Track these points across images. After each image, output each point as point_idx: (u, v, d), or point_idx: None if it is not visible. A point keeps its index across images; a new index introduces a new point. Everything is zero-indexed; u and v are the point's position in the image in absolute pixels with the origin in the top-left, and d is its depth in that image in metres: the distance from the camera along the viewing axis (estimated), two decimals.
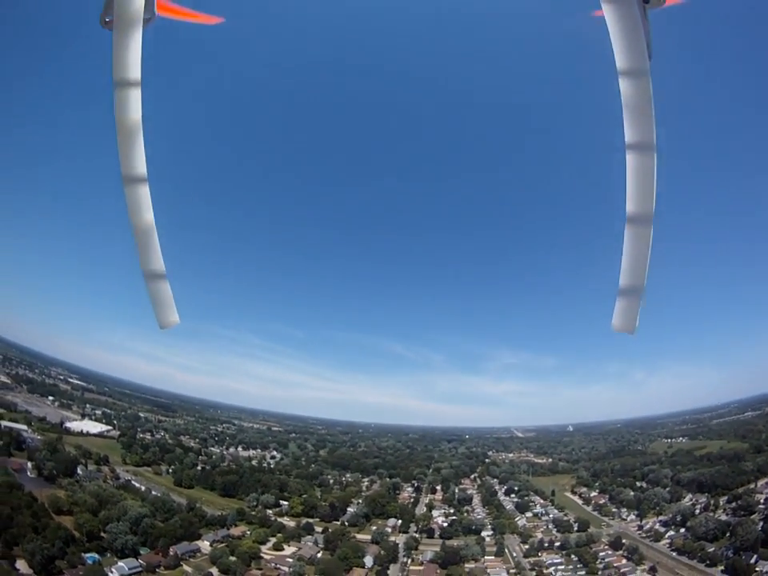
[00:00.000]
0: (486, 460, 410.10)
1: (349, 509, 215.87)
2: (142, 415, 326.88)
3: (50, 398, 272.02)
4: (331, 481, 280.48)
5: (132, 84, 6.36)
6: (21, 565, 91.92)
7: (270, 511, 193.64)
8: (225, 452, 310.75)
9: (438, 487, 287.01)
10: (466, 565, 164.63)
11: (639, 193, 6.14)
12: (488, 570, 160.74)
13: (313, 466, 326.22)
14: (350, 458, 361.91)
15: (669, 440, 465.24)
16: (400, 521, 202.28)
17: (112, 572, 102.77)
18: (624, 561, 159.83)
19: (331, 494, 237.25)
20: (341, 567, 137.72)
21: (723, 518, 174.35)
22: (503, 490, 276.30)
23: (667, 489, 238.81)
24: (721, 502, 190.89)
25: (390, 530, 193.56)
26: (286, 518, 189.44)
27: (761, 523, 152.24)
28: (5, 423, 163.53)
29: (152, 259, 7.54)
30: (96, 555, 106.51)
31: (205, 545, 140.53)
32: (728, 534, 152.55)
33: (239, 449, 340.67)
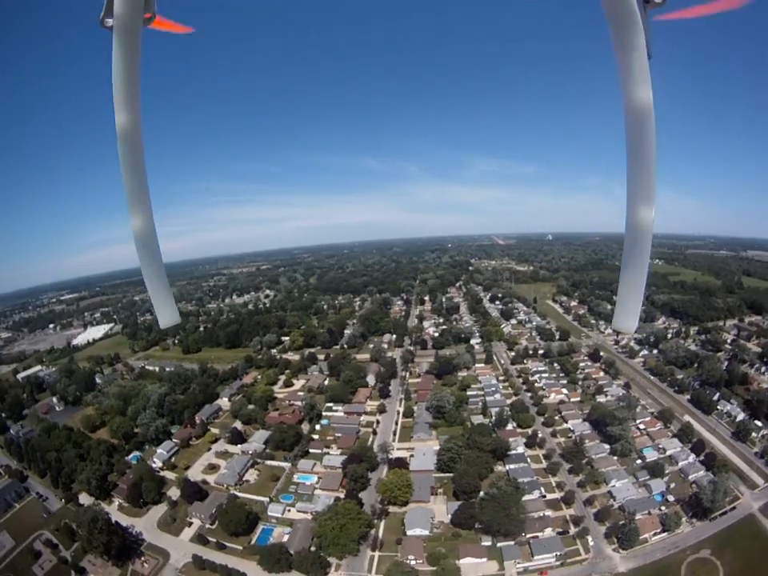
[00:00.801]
0: (470, 268, 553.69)
1: (346, 331, 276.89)
2: (136, 299, 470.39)
3: (50, 325, 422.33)
4: (325, 306, 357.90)
5: (132, 84, 8.37)
6: (83, 498, 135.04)
7: (275, 350, 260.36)
8: (222, 305, 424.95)
9: (426, 298, 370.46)
10: (459, 373, 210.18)
11: (640, 192, 7.71)
12: (479, 378, 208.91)
13: (305, 295, 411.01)
14: (340, 281, 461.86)
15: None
16: (394, 335, 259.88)
17: (154, 461, 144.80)
18: (602, 373, 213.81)
19: (327, 320, 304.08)
20: (347, 390, 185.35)
21: (693, 347, 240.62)
22: (488, 297, 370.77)
23: (642, 308, 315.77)
24: (691, 332, 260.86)
25: (386, 345, 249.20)
26: (289, 353, 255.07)
27: (726, 363, 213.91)
28: (20, 375, 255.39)
29: (152, 259, 9.94)
30: (137, 453, 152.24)
31: (224, 402, 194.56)
32: (696, 365, 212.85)
33: (234, 297, 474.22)
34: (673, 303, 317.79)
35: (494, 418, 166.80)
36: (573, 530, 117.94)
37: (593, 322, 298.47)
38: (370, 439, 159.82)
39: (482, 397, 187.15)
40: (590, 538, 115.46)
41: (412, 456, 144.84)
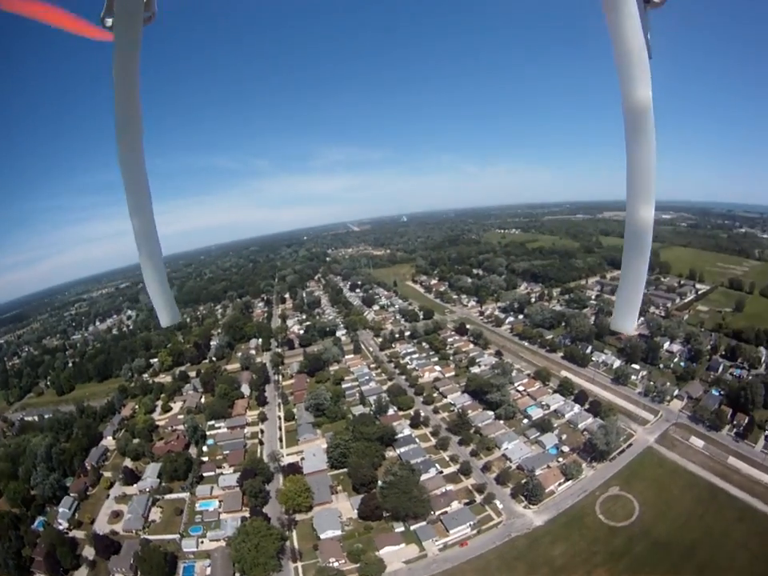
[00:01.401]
0: (327, 259, 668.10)
1: (212, 343, 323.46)
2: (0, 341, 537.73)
3: None
4: (188, 319, 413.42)
5: (132, 84, 9.64)
6: None
7: (146, 375, 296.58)
8: (86, 334, 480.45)
9: (287, 295, 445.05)
10: (330, 368, 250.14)
11: (640, 194, 8.91)
12: (351, 369, 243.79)
13: None
14: (199, 290, 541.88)
15: (502, 230, 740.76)
16: (260, 340, 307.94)
17: (60, 523, 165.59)
18: (471, 345, 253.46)
19: (192, 334, 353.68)
20: (224, 404, 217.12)
21: (558, 308, 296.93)
22: (348, 287, 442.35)
23: (503, 276, 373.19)
24: (554, 293, 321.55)
25: (254, 351, 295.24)
26: (161, 375, 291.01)
27: (592, 317, 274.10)
28: None
29: (152, 259, 11.47)
30: (41, 518, 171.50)
31: (109, 441, 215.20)
32: (563, 324, 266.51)
33: (97, 324, 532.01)
34: (533, 269, 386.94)
35: (373, 406, 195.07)
36: (478, 497, 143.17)
37: (455, 297, 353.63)
38: (258, 450, 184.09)
39: (358, 387, 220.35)
40: (497, 502, 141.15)
41: (303, 459, 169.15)
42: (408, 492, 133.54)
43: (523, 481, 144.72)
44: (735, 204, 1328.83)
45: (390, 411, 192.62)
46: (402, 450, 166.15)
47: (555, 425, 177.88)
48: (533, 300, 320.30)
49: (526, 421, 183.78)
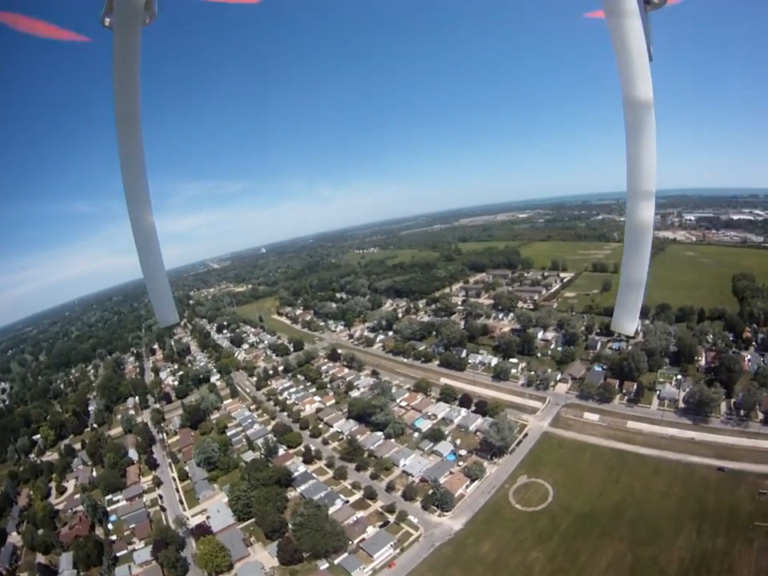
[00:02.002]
0: (191, 301, 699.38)
1: (90, 408, 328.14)
2: None
3: None
4: (61, 385, 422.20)
5: (132, 84, 11.13)
6: None
7: (32, 455, 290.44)
8: None
9: (156, 346, 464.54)
10: (212, 416, 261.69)
11: (640, 195, 10.74)
12: (232, 414, 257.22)
13: (40, 378, 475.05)
14: (68, 350, 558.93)
15: (361, 251, 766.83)
16: (137, 397, 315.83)
17: None
18: (346, 370, 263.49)
19: (68, 401, 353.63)
20: (116, 475, 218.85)
21: (426, 319, 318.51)
22: (214, 328, 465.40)
23: (367, 297, 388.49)
24: (421, 305, 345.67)
25: (132, 411, 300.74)
26: (48, 452, 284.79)
27: (462, 322, 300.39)
28: None
29: (152, 259, 13.19)
30: None
31: (15, 537, 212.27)
32: (434, 333, 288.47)
33: None
34: (396, 285, 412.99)
35: (262, 449, 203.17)
36: (391, 518, 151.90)
37: (322, 324, 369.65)
38: (163, 517, 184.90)
39: (243, 432, 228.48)
40: (411, 517, 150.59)
41: (209, 518, 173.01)
42: (320, 529, 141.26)
43: (430, 492, 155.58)
44: (590, 194, 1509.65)
45: (281, 451, 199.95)
46: (302, 488, 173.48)
47: (446, 432, 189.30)
48: (400, 315, 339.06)
49: (416, 434, 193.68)
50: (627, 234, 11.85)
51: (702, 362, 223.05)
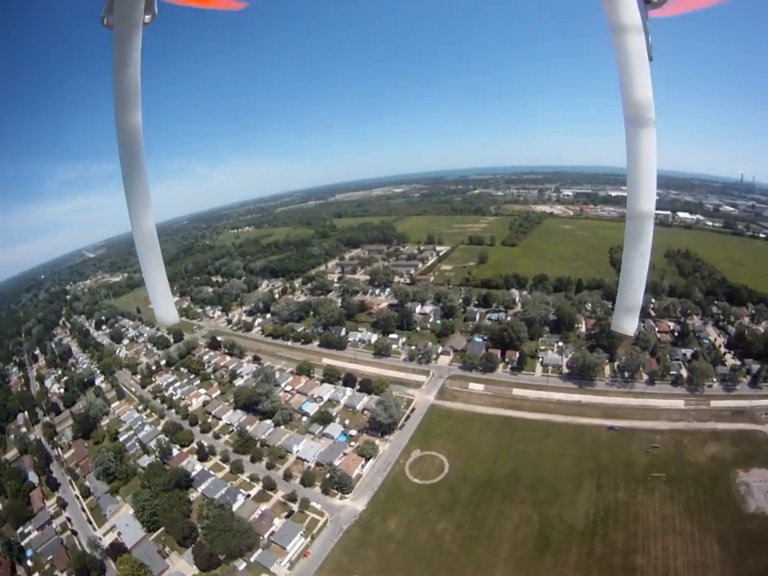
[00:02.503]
0: (68, 297, 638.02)
1: None
2: None
3: None
4: None
5: (132, 84, 11.22)
6: None
7: None
8: None
9: (37, 351, 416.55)
10: (102, 423, 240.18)
11: (640, 195, 10.84)
12: (121, 418, 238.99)
13: None
14: None
15: (236, 230, 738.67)
16: (26, 412, 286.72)
17: None
18: (228, 358, 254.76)
19: None
20: (22, 503, 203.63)
21: (303, 298, 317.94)
22: (93, 325, 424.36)
23: (243, 279, 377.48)
24: (297, 285, 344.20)
25: (24, 429, 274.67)
26: None
27: (339, 300, 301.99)
28: None
29: (152, 260, 13.23)
30: None
31: None
32: (312, 313, 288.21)
33: None
34: (271, 265, 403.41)
35: (156, 452, 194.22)
36: (295, 506, 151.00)
37: (199, 310, 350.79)
38: (76, 542, 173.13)
39: (135, 436, 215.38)
40: (314, 503, 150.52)
41: (120, 534, 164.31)
42: (229, 529, 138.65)
43: (327, 476, 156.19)
44: (468, 169, 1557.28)
45: (175, 452, 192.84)
46: (203, 487, 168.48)
47: (334, 413, 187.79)
48: (277, 296, 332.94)
49: (305, 419, 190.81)
50: (627, 234, 11.69)
51: (583, 329, 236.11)
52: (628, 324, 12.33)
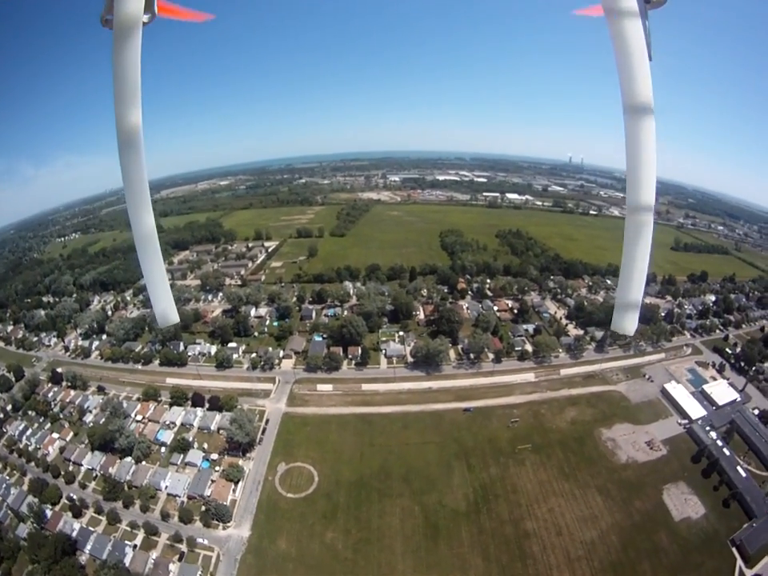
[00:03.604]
0: None
1: None
2: None
3: None
4: None
5: (132, 83, 11.88)
6: None
7: None
8: None
9: None
10: None
11: (640, 194, 11.67)
12: None
13: None
14: None
15: (63, 239, 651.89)
16: None
17: None
18: (72, 392, 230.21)
19: None
20: None
21: (136, 313, 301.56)
22: None
23: (74, 297, 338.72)
24: (128, 297, 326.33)
25: None
26: None
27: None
28: None
29: (152, 261, 14.12)
30: None
31: None
32: (147, 329, 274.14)
33: None
34: (101, 277, 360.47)
35: (30, 519, 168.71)
36: (183, 547, 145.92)
37: (35, 339, 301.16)
38: None
39: (4, 503, 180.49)
40: (200, 539, 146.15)
41: None
42: None
43: (203, 508, 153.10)
44: (294, 157, 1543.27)
45: (48, 513, 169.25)
46: (88, 547, 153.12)
47: (191, 438, 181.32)
48: (110, 313, 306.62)
49: (163, 449, 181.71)
50: (627, 234, 12.07)
51: (421, 316, 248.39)
52: (628, 323, 12.64)
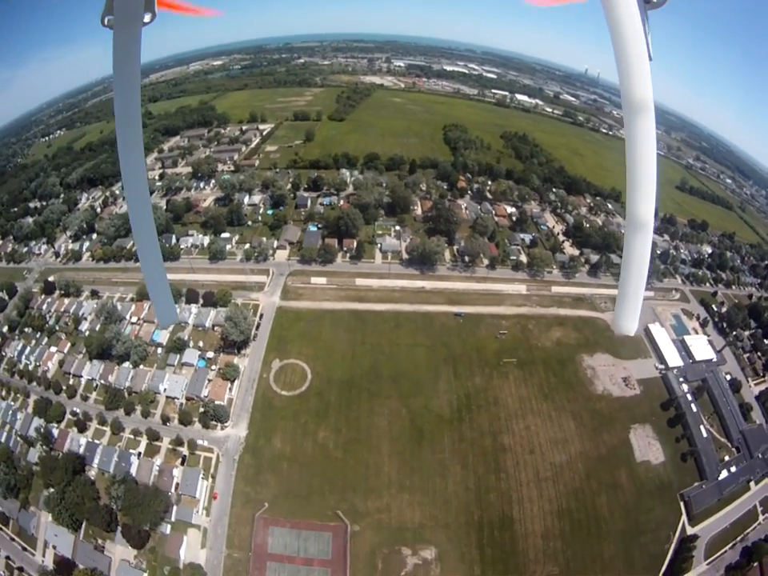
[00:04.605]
0: None
1: None
2: None
3: None
4: None
5: (132, 83, 12.01)
6: None
7: None
8: None
9: None
10: None
11: (640, 193, 11.39)
12: None
13: None
14: None
15: (47, 138, 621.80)
16: None
17: None
18: (66, 300, 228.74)
19: None
20: None
21: (125, 207, 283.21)
22: None
23: (61, 198, 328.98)
24: (117, 191, 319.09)
25: None
26: None
27: (164, 202, 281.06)
28: None
29: (152, 260, 14.01)
30: None
31: None
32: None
33: None
34: (88, 174, 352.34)
35: (40, 440, 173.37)
36: (184, 450, 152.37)
37: (24, 249, 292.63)
38: None
39: (13, 429, 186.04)
40: (200, 441, 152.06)
41: (55, 547, 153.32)
42: (141, 503, 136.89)
43: (201, 409, 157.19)
44: (293, 36, 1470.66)
45: (55, 432, 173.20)
46: (96, 461, 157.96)
47: (186, 337, 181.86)
48: (99, 210, 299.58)
49: (160, 350, 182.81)
50: (627, 232, 11.81)
51: (419, 212, 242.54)
52: (629, 323, 12.65)
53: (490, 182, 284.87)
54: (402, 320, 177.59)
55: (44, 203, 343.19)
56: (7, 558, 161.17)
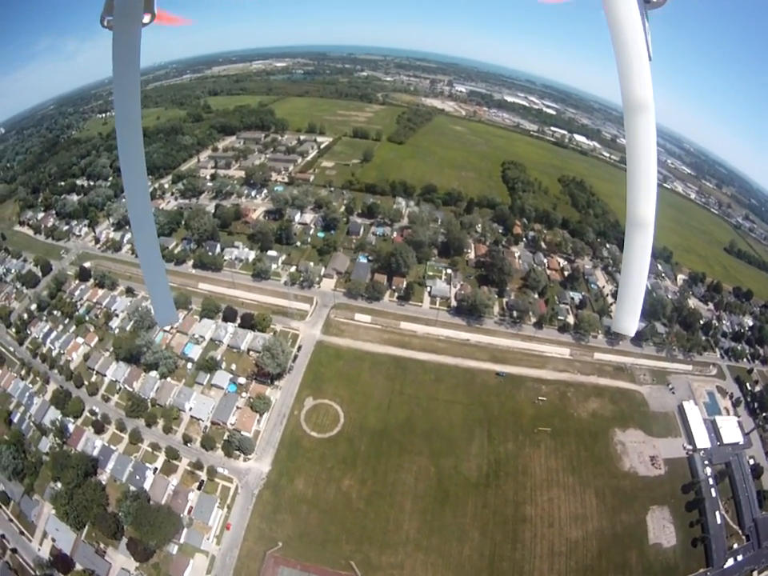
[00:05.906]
0: None
1: None
2: None
3: None
4: None
5: (132, 83, 11.61)
6: None
7: None
8: None
9: None
10: None
11: (640, 193, 10.93)
12: (8, 390, 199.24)
13: None
14: None
15: (104, 115, 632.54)
16: None
17: None
18: (100, 291, 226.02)
19: None
20: None
21: (173, 203, 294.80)
22: None
23: (109, 182, 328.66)
24: (166, 185, 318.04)
25: None
26: None
27: (212, 205, 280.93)
28: None
29: (152, 260, 13.51)
30: None
31: None
32: (183, 224, 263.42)
33: None
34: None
35: (52, 433, 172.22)
36: (203, 474, 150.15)
37: (65, 228, 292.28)
38: (22, 562, 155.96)
39: (27, 413, 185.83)
40: (220, 469, 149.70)
41: (54, 541, 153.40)
42: (153, 522, 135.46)
43: (225, 437, 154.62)
44: (356, 46, 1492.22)
45: (70, 427, 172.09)
46: (110, 467, 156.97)
47: (218, 356, 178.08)
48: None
49: (190, 366, 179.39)
50: (628, 232, 11.40)
51: (472, 255, 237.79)
52: (629, 324, 12.19)
53: (545, 231, 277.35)
54: (443, 373, 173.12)
55: (91, 183, 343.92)
56: (2, 536, 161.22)
